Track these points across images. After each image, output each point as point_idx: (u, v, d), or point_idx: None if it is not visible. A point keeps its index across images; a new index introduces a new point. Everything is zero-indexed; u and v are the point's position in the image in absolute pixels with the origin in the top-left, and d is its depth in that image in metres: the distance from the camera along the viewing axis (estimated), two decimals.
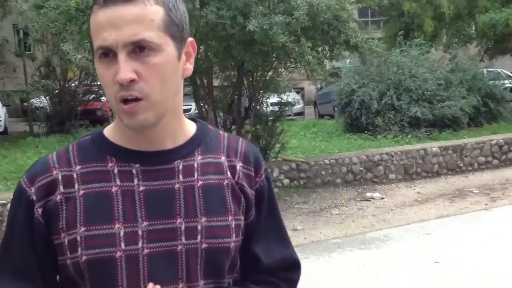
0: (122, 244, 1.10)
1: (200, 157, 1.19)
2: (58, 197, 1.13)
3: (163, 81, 1.08)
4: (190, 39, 1.16)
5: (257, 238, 1.24)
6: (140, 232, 1.12)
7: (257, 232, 1.24)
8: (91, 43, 1.11)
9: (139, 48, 1.05)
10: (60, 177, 1.14)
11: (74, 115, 15.50)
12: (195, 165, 1.18)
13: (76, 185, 1.14)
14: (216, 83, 9.21)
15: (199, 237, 1.14)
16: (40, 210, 1.13)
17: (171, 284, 1.12)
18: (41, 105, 15.82)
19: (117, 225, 1.11)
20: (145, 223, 1.12)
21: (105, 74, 1.07)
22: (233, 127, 8.88)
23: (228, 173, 1.20)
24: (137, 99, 1.06)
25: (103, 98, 17.30)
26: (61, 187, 1.14)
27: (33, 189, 1.14)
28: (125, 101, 1.06)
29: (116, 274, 1.10)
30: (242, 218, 1.20)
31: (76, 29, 8.71)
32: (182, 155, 1.17)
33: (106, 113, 17.18)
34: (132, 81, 1.05)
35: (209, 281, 1.16)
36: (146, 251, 1.11)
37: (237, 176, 1.21)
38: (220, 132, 1.28)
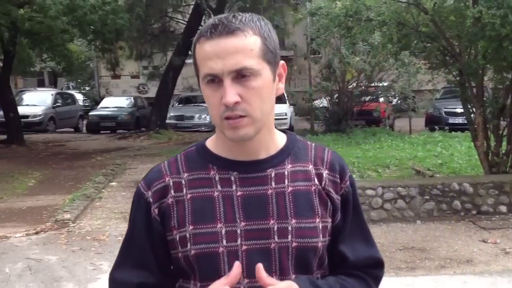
0: (224, 241, 1.29)
1: (290, 165, 1.35)
2: (170, 200, 1.33)
3: (262, 101, 1.26)
4: (282, 62, 1.32)
5: (344, 238, 1.38)
6: (238, 231, 1.29)
7: (344, 233, 1.38)
8: (197, 70, 1.30)
9: (241, 75, 1.23)
10: (171, 183, 1.34)
11: (350, 115, 16.16)
12: (286, 173, 1.34)
13: (184, 190, 1.33)
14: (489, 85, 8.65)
15: (289, 236, 1.29)
16: (156, 211, 1.33)
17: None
18: (321, 105, 16.91)
19: (219, 225, 1.29)
20: (242, 223, 1.29)
21: (212, 96, 1.26)
22: (505, 132, 8.21)
23: (316, 180, 1.35)
24: (240, 116, 1.24)
25: (381, 99, 17.62)
26: (172, 191, 1.33)
27: (150, 193, 1.35)
28: (228, 118, 1.25)
29: (219, 266, 1.29)
30: (329, 220, 1.35)
31: (345, 33, 9.09)
32: (273, 164, 1.34)
33: (382, 114, 17.44)
34: (236, 103, 1.23)
35: (300, 275, 1.30)
36: (244, 247, 1.29)
37: (323, 182, 1.35)
38: (308, 142, 1.42)
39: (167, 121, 19.69)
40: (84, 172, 11.64)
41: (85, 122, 23.01)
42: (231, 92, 1.22)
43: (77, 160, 13.64)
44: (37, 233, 7.10)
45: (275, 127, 1.39)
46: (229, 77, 1.23)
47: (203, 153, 1.37)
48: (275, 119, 1.38)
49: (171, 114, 20.45)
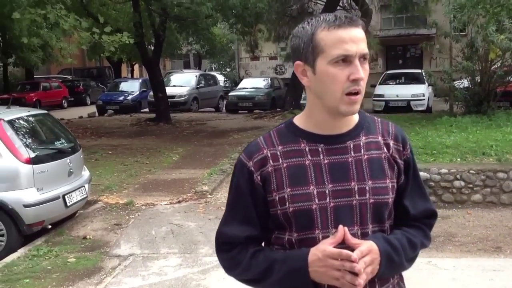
0: (316, 199, 1.58)
1: (364, 137, 1.64)
2: (270, 168, 1.61)
3: (366, 81, 1.58)
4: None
5: (406, 195, 1.69)
6: (327, 192, 1.58)
7: (406, 191, 1.69)
8: (318, 52, 1.55)
9: (364, 58, 1.55)
10: (269, 154, 1.62)
11: (493, 97, 15.31)
12: (361, 144, 1.63)
13: (280, 160, 1.61)
14: None
15: (367, 194, 1.60)
16: (258, 177, 1.62)
17: (349, 227, 1.57)
18: (461, 86, 16.18)
19: (311, 187, 1.58)
20: (330, 185, 1.59)
21: (340, 73, 1.54)
22: None
23: (385, 149, 1.65)
24: (357, 93, 1.54)
25: None
26: (270, 161, 1.62)
27: (251, 163, 1.63)
28: (350, 94, 1.53)
29: (313, 220, 1.58)
30: (395, 181, 1.65)
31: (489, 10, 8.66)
32: (351, 137, 1.63)
33: None
34: (362, 78, 1.54)
35: (375, 225, 1.62)
36: (332, 204, 1.58)
37: (391, 151, 1.66)
38: (375, 118, 1.72)
39: (302, 101, 20.05)
40: (222, 149, 12.36)
41: (224, 102, 24.09)
42: (360, 70, 1.53)
43: (216, 138, 14.49)
44: (179, 202, 7.83)
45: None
46: (356, 59, 1.53)
47: (293, 129, 1.65)
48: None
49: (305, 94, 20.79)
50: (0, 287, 4.96)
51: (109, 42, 12.11)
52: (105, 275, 5.22)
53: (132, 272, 5.28)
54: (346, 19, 1.53)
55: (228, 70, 30.79)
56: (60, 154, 6.49)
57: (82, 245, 6.09)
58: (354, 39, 1.52)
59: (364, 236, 1.59)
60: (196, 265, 5.41)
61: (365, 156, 1.62)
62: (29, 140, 6.22)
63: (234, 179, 1.68)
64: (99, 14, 14.94)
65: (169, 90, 22.56)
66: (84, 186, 6.81)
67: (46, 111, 7.51)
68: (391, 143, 1.66)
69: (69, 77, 32.90)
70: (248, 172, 1.63)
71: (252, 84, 23.34)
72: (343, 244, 1.52)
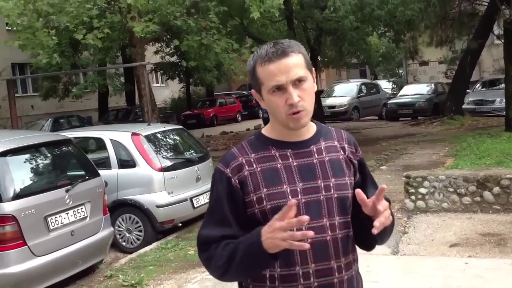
0: (290, 197, 1.79)
1: (323, 142, 1.90)
2: (246, 172, 1.83)
3: (310, 98, 1.80)
4: (313, 69, 1.88)
5: (367, 189, 1.91)
6: (298, 189, 1.81)
7: (366, 186, 1.96)
8: (260, 85, 1.81)
9: (298, 81, 1.77)
10: (244, 161, 1.84)
11: None
12: (322, 148, 1.89)
13: (254, 165, 1.83)
14: None
15: (332, 190, 1.84)
16: (236, 181, 1.82)
17: (319, 219, 1.80)
18: None
19: (285, 186, 1.81)
20: (300, 184, 1.82)
21: (278, 100, 1.77)
22: None
23: (341, 151, 1.92)
24: (300, 111, 1.77)
25: None
26: (246, 167, 1.83)
27: (228, 170, 1.83)
28: (292, 114, 1.76)
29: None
30: (352, 178, 1.92)
31: None
32: (313, 142, 1.89)
33: None
34: (298, 101, 1.75)
35: (341, 217, 1.85)
36: (303, 200, 1.81)
37: (347, 153, 1.93)
38: (329, 127, 2.00)
39: (465, 106, 19.37)
40: (364, 157, 12.64)
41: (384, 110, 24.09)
42: (294, 94, 1.75)
43: (364, 146, 14.80)
44: None
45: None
46: (291, 85, 1.75)
47: (263, 139, 1.89)
48: None
49: (470, 99, 20.01)
50: (131, 272, 6.13)
51: None
52: None
53: None
54: (277, 52, 1.75)
55: (394, 77, 30.49)
56: (189, 162, 7.62)
57: None
58: (283, 69, 1.74)
59: (332, 227, 1.82)
60: None
61: (327, 158, 1.86)
62: (162, 151, 7.44)
63: (213, 187, 1.88)
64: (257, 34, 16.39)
65: (330, 101, 23.34)
66: None
67: (181, 127, 8.76)
68: (346, 146, 1.93)
69: (245, 92, 35.40)
70: (226, 179, 1.83)
71: (414, 90, 23.04)
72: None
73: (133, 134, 7.25)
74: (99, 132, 7.73)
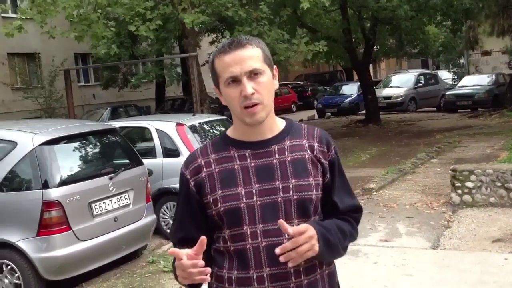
0: (244, 199, 1.75)
1: (288, 141, 1.82)
2: (203, 175, 1.80)
3: (268, 91, 1.75)
4: (274, 66, 1.83)
5: (334, 192, 1.85)
6: (254, 191, 1.75)
7: (334, 188, 1.85)
8: (217, 77, 1.77)
9: (253, 74, 1.72)
10: (203, 163, 1.81)
11: None
12: (285, 147, 1.80)
13: (213, 166, 1.80)
14: None
15: (291, 192, 1.75)
16: (192, 183, 1.81)
17: (274, 222, 1.70)
18: None
19: (240, 188, 1.76)
20: (256, 186, 1.76)
21: (233, 93, 1.73)
22: None
23: (308, 150, 1.82)
24: (255, 104, 1.71)
25: None
26: (204, 168, 1.80)
27: (187, 172, 1.82)
28: (247, 107, 1.71)
29: (241, 217, 1.75)
30: (321, 179, 1.81)
31: None
32: (276, 141, 1.81)
33: None
34: (252, 94, 1.70)
35: (300, 220, 1.76)
36: (258, 202, 1.75)
37: (315, 152, 1.82)
38: (302, 124, 1.91)
39: None
40: (416, 150, 12.48)
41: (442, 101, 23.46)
42: (248, 86, 1.70)
43: (417, 138, 14.56)
44: None
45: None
46: (245, 76, 1.71)
47: (225, 139, 1.85)
48: None
49: None
50: (172, 258, 6.31)
51: (306, 51, 13.28)
52: None
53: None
54: (232, 44, 1.73)
55: (456, 67, 29.58)
56: None
57: None
58: (238, 60, 1.70)
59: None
60: None
61: (289, 158, 1.78)
62: (205, 141, 7.58)
63: (179, 187, 1.91)
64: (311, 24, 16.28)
65: (386, 92, 22.95)
66: None
67: (225, 117, 8.86)
68: (316, 145, 1.82)
69: (301, 82, 35.26)
70: (185, 180, 1.83)
71: (474, 81, 22.30)
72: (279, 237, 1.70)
73: (178, 124, 7.41)
74: (146, 122, 7.95)
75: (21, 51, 22.34)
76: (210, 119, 8.18)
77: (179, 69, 23.56)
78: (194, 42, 13.14)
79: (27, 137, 5.47)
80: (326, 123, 21.14)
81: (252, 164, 1.78)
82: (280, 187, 1.75)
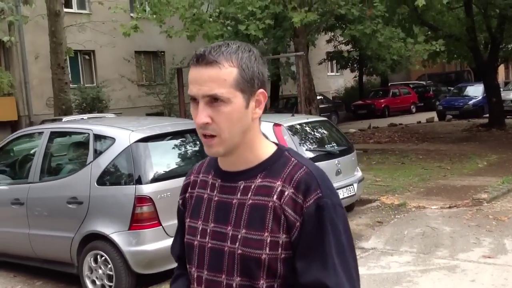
0: (198, 236, 1.51)
1: (259, 180, 1.45)
2: (188, 195, 1.60)
3: (230, 124, 1.40)
4: (261, 90, 1.45)
5: (299, 256, 1.40)
6: (208, 230, 1.50)
7: (300, 251, 1.40)
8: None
9: (214, 99, 1.38)
10: (191, 181, 1.61)
11: None
12: (252, 187, 1.45)
13: (195, 188, 1.58)
14: None
15: (237, 244, 1.43)
16: (180, 201, 1.63)
17: (218, 273, 1.47)
18: None
19: (199, 222, 1.52)
20: (212, 225, 1.49)
21: (193, 114, 1.44)
22: None
23: (275, 197, 1.42)
24: (212, 136, 1.41)
25: None
26: (189, 188, 1.60)
27: (182, 185, 1.65)
28: (204, 136, 1.43)
29: (192, 256, 1.53)
30: (283, 236, 1.40)
31: None
32: (246, 177, 1.47)
33: None
34: (207, 123, 1.39)
35: (244, 279, 1.43)
36: (209, 245, 1.49)
37: (283, 200, 1.41)
38: (293, 159, 1.47)
39: None
40: None
41: None
42: (202, 114, 1.39)
43: None
44: (450, 207, 7.97)
45: (276, 142, 1.56)
46: (203, 101, 1.40)
47: (214, 160, 1.57)
48: None
49: None
50: None
51: (421, 51, 12.68)
52: None
53: (363, 262, 5.93)
54: (200, 57, 1.41)
55: None
56: (328, 155, 7.54)
57: None
58: (198, 79, 1.40)
59: (228, 287, 1.45)
60: (422, 265, 5.71)
61: (250, 201, 1.44)
62: (302, 143, 7.45)
63: None
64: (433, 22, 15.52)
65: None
66: (353, 185, 7.70)
67: (325, 119, 8.65)
68: (288, 191, 1.41)
69: (423, 82, 33.85)
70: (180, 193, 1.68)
71: None
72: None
73: (275, 124, 7.36)
74: None
75: (147, 49, 23.57)
76: (309, 120, 8.04)
77: (293, 68, 23.61)
78: (304, 41, 13.05)
79: (124, 134, 5.69)
80: (445, 126, 20.11)
81: (216, 198, 1.51)
82: (230, 234, 1.45)
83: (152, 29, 15.24)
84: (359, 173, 8.06)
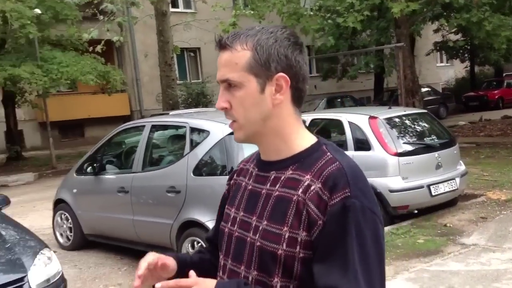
0: (229, 223, 1.49)
1: (290, 172, 1.38)
2: (232, 181, 1.58)
3: (244, 109, 1.37)
4: (281, 74, 1.35)
5: (317, 258, 1.30)
6: (238, 219, 1.46)
7: (319, 253, 1.30)
8: None
9: (229, 84, 1.38)
10: (239, 168, 1.59)
11: None
12: (282, 178, 1.39)
13: (239, 176, 1.56)
14: None
15: (257, 235, 1.38)
16: (226, 187, 1.61)
17: (238, 264, 1.43)
18: None
19: (233, 210, 1.49)
20: (241, 213, 1.46)
21: None
22: None
23: (300, 190, 1.34)
24: (234, 121, 1.40)
25: None
26: (236, 175, 1.58)
27: (233, 173, 1.61)
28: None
29: (222, 244, 1.51)
30: (303, 233, 1.31)
31: None
32: (278, 168, 1.41)
33: None
34: (226, 109, 1.39)
35: (261, 274, 1.37)
36: (236, 233, 1.46)
37: (307, 194, 1.32)
38: (328, 154, 1.37)
39: None
40: None
41: None
42: (220, 99, 1.40)
43: None
44: None
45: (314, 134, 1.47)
46: (222, 86, 1.40)
47: None
48: None
49: None
50: None
51: None
52: (437, 257, 5.84)
53: (462, 258, 5.71)
54: (219, 42, 1.40)
55: None
56: (428, 148, 7.28)
57: (439, 231, 6.76)
58: (218, 65, 1.40)
59: (246, 280, 1.40)
60: None
61: (276, 193, 1.39)
62: (399, 136, 7.26)
63: None
64: None
65: None
66: (455, 179, 7.39)
67: (425, 111, 8.34)
68: (316, 186, 1.32)
69: None
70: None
71: None
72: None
73: (371, 117, 7.24)
74: (339, 114, 7.92)
75: None
76: (406, 112, 7.82)
77: None
78: (406, 32, 12.66)
79: (218, 127, 5.87)
80: None
81: (249, 187, 1.47)
82: (253, 225, 1.40)
83: (240, 26, 15.57)
84: (462, 167, 7.72)
